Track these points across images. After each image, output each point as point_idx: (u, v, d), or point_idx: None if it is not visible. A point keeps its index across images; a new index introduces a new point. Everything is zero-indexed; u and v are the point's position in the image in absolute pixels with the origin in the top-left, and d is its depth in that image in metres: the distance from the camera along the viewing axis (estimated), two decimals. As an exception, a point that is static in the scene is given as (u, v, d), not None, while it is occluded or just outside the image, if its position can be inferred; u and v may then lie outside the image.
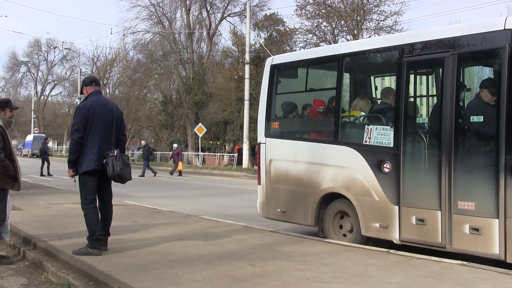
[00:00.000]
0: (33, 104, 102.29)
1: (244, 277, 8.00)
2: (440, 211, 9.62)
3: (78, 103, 9.45)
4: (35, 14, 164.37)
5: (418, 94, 11.28)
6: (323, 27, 50.58)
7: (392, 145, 10.47)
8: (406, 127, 10.38)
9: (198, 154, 58.13)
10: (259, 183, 13.45)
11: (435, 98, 11.23)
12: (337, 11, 48.66)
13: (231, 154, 55.81)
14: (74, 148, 9.45)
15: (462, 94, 9.88)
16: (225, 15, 65.93)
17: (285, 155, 12.79)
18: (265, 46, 50.79)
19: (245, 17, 51.83)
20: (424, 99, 11.83)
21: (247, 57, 48.07)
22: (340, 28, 50.17)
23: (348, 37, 48.28)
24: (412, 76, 10.63)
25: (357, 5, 47.94)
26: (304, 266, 8.79)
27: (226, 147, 63.98)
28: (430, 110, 11.32)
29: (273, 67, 13.40)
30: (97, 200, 9.75)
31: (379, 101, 12.04)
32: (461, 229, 9.30)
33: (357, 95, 12.64)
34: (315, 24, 50.55)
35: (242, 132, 48.41)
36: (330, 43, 47.72)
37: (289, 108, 13.30)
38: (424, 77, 11.70)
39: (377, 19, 48.66)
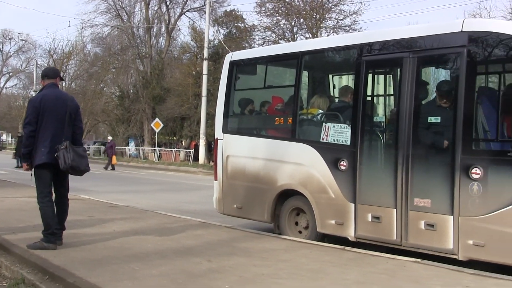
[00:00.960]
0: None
1: (201, 272, 7.99)
2: (395, 209, 9.74)
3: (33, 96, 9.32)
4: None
5: (376, 93, 11.48)
6: (282, 25, 50.96)
7: (349, 143, 10.54)
8: (363, 125, 10.45)
9: (154, 149, 57.87)
10: (215, 179, 13.39)
11: (393, 97, 11.49)
12: (296, 9, 48.99)
13: (188, 150, 55.64)
14: (26, 142, 9.35)
15: (420, 94, 9.95)
16: (184, 10, 65.67)
17: (243, 151, 12.78)
18: (224, 42, 50.74)
19: (205, 12, 51.72)
20: (382, 98, 11.95)
21: (205, 53, 47.92)
22: (299, 26, 50.53)
23: (307, 35, 48.63)
24: (370, 75, 10.74)
25: (316, 4, 48.33)
26: (260, 262, 8.81)
27: (183, 142, 63.80)
28: (388, 109, 11.48)
29: (232, 63, 13.37)
30: (53, 194, 9.63)
31: (337, 100, 12.22)
32: (417, 225, 9.45)
33: (315, 93, 12.71)
34: (274, 22, 50.91)
35: (199, 128, 48.24)
36: (289, 41, 47.92)
37: (247, 105, 13.28)
38: (382, 77, 11.85)
39: (336, 18, 49.26)
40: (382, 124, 10.99)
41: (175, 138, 65.57)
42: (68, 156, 9.18)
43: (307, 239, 11.21)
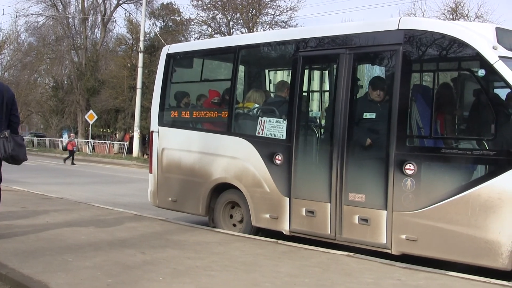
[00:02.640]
0: None
1: (135, 264, 8.01)
2: (330, 203, 9.78)
3: None
4: None
5: (312, 89, 11.57)
6: (218, 19, 50.82)
7: (284, 137, 10.55)
8: (299, 120, 10.46)
9: (88, 142, 57.29)
10: (150, 171, 13.26)
11: (329, 93, 11.47)
12: (233, 3, 48.90)
13: (122, 143, 55.21)
14: None
15: (355, 91, 10.01)
16: (120, 2, 64.82)
17: (178, 144, 12.69)
18: (160, 35, 50.43)
19: (141, 5, 51.24)
20: (318, 94, 12.05)
21: (141, 45, 47.51)
22: (235, 20, 50.48)
23: (243, 30, 48.65)
24: (307, 71, 10.78)
25: (253, -1, 48.33)
26: (194, 254, 8.86)
27: (117, 135, 63.28)
28: (324, 105, 11.56)
29: (169, 56, 13.21)
30: None
31: (273, 94, 12.20)
32: (351, 219, 9.53)
33: (251, 87, 12.75)
34: (210, 16, 50.71)
35: (133, 120, 47.90)
36: (225, 35, 47.91)
37: (184, 98, 13.20)
38: (319, 73, 11.94)
39: (273, 13, 49.26)
40: (318, 119, 11.19)
41: (109, 131, 64.99)
42: (9, 146, 9.09)
43: (242, 232, 11.23)
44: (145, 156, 47.52)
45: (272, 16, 49.31)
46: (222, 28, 50.52)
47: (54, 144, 63.42)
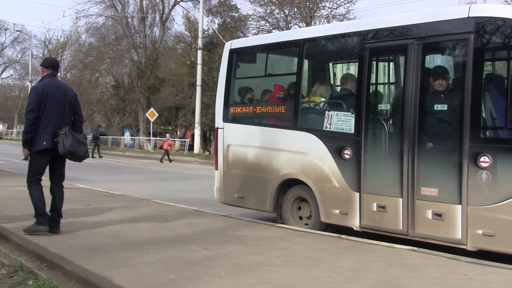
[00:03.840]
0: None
1: (196, 260, 8.00)
2: (401, 198, 9.55)
3: (31, 85, 9.37)
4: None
5: (380, 80, 11.22)
6: (276, 14, 50.76)
7: (353, 131, 10.33)
8: (368, 113, 10.25)
9: (149, 139, 57.82)
10: (216, 168, 13.15)
11: (398, 85, 11.23)
12: (290, -2, 48.75)
13: (183, 140, 55.65)
14: (29, 128, 9.51)
15: (425, 82, 9.65)
16: (178, 0, 65.54)
17: (244, 140, 12.56)
18: (218, 32, 50.69)
19: (199, 2, 51.49)
20: (387, 86, 11.84)
21: (199, 42, 47.78)
22: (292, 15, 50.38)
23: (301, 24, 48.47)
24: (374, 63, 10.50)
25: (310, -7, 48.11)
26: (256, 250, 8.82)
27: (178, 132, 63.77)
28: (393, 97, 11.29)
29: (232, 52, 13.11)
30: (50, 183, 9.80)
31: (339, 88, 11.93)
32: (424, 214, 9.27)
33: (316, 80, 12.38)
34: (268, 11, 50.69)
35: (194, 117, 48.20)
36: (283, 30, 47.78)
37: (248, 93, 13.09)
38: (386, 64, 11.70)
39: (330, 7, 48.96)
40: (387, 112, 10.78)
41: (170, 128, 65.51)
42: (67, 141, 9.39)
43: (311, 229, 11.02)
44: (206, 153, 47.83)
45: (330, 9, 49.09)
46: (280, 23, 50.46)
47: (116, 142, 64.14)
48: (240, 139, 12.68)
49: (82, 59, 72.61)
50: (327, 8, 49.26)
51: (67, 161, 9.92)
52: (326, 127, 10.84)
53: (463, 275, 7.57)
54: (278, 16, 50.78)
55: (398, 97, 10.33)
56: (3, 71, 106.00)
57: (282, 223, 11.58)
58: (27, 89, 73.94)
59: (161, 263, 7.75)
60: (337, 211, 10.60)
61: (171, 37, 68.35)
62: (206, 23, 53.98)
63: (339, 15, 48.19)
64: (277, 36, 14.70)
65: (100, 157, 43.95)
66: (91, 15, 67.40)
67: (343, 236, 10.10)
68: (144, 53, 63.90)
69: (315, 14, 48.82)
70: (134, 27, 67.01)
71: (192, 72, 53.30)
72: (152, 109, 53.16)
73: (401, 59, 10.71)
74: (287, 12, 50.05)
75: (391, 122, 10.35)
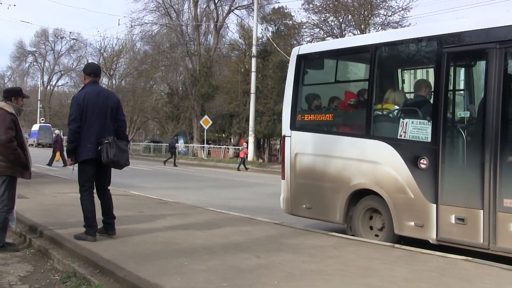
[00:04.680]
0: (39, 94, 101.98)
1: (249, 268, 7.98)
2: (482, 210, 9.03)
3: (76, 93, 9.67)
4: (43, 4, 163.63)
5: (458, 87, 10.65)
6: (330, 22, 50.68)
7: (429, 139, 9.89)
8: (445, 121, 9.79)
9: (203, 147, 58.05)
10: (283, 178, 12.76)
11: (478, 91, 10.70)
12: (344, 5, 48.65)
13: (237, 147, 55.85)
14: (72, 138, 9.70)
15: (508, 88, 9.14)
16: (232, 8, 65.90)
17: (312, 149, 12.16)
18: (272, 39, 50.79)
19: (253, 10, 51.83)
20: (466, 92, 11.20)
21: (254, 50, 47.98)
22: (347, 23, 50.25)
23: (355, 31, 48.34)
24: (452, 68, 10.05)
25: (364, 0, 47.93)
26: (308, 258, 8.73)
27: (232, 139, 63.99)
28: (472, 104, 10.80)
29: (300, 57, 12.73)
30: (95, 188, 10.02)
31: (413, 94, 11.39)
32: (507, 227, 8.75)
33: (389, 87, 11.88)
34: (322, 19, 50.65)
35: (248, 125, 48.37)
36: (337, 37, 47.74)
37: (317, 100, 12.72)
38: (466, 69, 11.09)
39: (385, 14, 48.72)
40: (466, 119, 10.15)
41: (224, 135, 65.79)
42: (111, 151, 9.59)
43: (383, 241, 10.56)
44: (260, 160, 47.91)
45: (384, 16, 48.85)
46: (334, 31, 50.35)
47: (171, 149, 64.80)
48: (308, 148, 12.31)
49: (137, 67, 73.28)
50: (381, 15, 49.08)
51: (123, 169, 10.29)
52: (400, 136, 10.42)
53: (518, 286, 7.45)
54: (332, 23, 50.71)
55: (479, 104, 9.90)
56: (59, 78, 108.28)
57: (353, 235, 11.20)
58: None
59: (214, 270, 7.73)
60: (412, 223, 10.14)
61: (225, 45, 68.70)
62: (260, 31, 54.21)
63: (393, 23, 47.92)
64: (347, 41, 14.15)
65: (175, 166, 44.21)
66: (146, 23, 68.19)
67: (396, 245, 10.02)
68: (198, 61, 64.29)
69: (370, 22, 48.63)
70: (189, 35, 67.57)
71: (246, 80, 53.45)
72: (206, 116, 53.44)
73: (482, 64, 10.18)
74: (341, 19, 49.94)
75: (471, 130, 9.88)
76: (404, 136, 10.35)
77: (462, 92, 11.13)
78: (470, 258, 8.89)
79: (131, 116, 67.69)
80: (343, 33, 49.14)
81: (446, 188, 9.64)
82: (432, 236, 9.83)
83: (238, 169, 41.05)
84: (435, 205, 9.75)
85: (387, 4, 48.25)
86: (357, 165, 11.21)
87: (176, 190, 22.63)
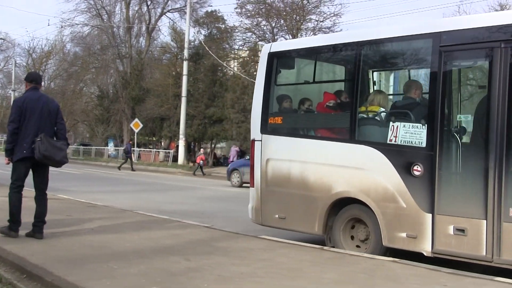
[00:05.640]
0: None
1: (179, 271, 7.93)
2: (485, 220, 8.41)
3: (14, 94, 9.85)
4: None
5: (456, 87, 10.04)
6: (262, 26, 50.79)
7: (424, 145, 9.18)
8: (443, 125, 9.09)
9: (133, 150, 57.67)
10: (252, 185, 11.86)
11: (480, 93, 9.94)
12: (277, 10, 48.83)
13: (167, 150, 55.59)
14: (10, 138, 10.06)
15: None
16: (165, 11, 65.59)
17: (287, 154, 11.23)
18: (204, 43, 50.67)
19: (185, 13, 51.80)
20: (466, 94, 10.70)
21: (185, 53, 48.00)
22: (279, 27, 50.41)
23: (287, 36, 48.42)
24: (450, 68, 9.41)
25: (296, 5, 48.26)
26: (239, 261, 8.74)
27: (162, 143, 63.69)
28: (474, 106, 9.88)
29: (272, 55, 11.79)
30: (34, 191, 10.30)
31: (406, 96, 10.38)
32: None
33: (377, 88, 11.44)
34: (254, 23, 50.70)
35: (179, 128, 48.25)
36: (269, 42, 47.95)
37: (292, 102, 11.83)
38: (465, 69, 10.49)
39: (317, 19, 49.08)
40: (467, 123, 9.59)
41: (154, 139, 65.40)
42: (42, 147, 9.77)
43: (369, 253, 9.75)
44: (191, 164, 47.89)
45: (316, 22, 49.23)
46: (266, 35, 50.58)
47: (100, 152, 64.10)
48: (282, 153, 11.37)
49: (67, 69, 72.39)
50: (313, 20, 49.45)
51: (50, 172, 10.38)
52: (390, 140, 9.66)
53: (443, 285, 7.59)
54: (265, 28, 50.91)
55: (480, 107, 9.19)
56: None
57: (333, 246, 10.40)
58: (10, 98, 73.66)
59: (144, 274, 7.65)
60: (404, 234, 9.37)
61: (157, 48, 68.24)
62: (193, 34, 54.11)
63: (325, 28, 48.34)
64: (327, 39, 13.11)
65: (133, 170, 44.20)
66: (76, 24, 67.39)
67: (325, 247, 10.07)
68: (130, 64, 63.72)
69: (302, 27, 48.97)
70: (120, 37, 66.91)
71: (178, 83, 53.12)
72: (136, 119, 52.90)
73: (484, 63, 9.51)
74: (273, 24, 50.19)
75: (472, 134, 9.36)
76: (395, 141, 9.61)
77: (461, 93, 10.42)
78: (397, 260, 9.03)
79: (60, 118, 66.57)
80: (275, 37, 49.35)
81: (444, 197, 8.96)
82: (426, 248, 9.12)
83: (194, 174, 41.02)
84: (430, 215, 9.04)
85: (319, 10, 48.66)
86: (339, 172, 10.37)
87: (106, 193, 22.43)
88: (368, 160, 9.89)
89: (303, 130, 11.62)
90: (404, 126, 9.52)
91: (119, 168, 44.49)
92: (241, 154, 44.71)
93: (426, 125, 9.21)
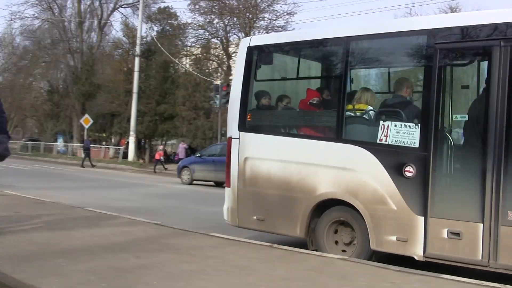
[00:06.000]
0: None
1: (128, 268, 7.94)
2: (482, 224, 8.22)
3: None
4: None
5: (453, 86, 9.60)
6: (215, 23, 50.85)
7: (417, 145, 8.90)
8: (438, 125, 8.81)
9: (82, 146, 57.23)
10: (228, 185, 11.35)
11: (477, 92, 9.61)
12: (230, 8, 48.94)
13: (117, 147, 55.25)
14: None
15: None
16: (117, 6, 64.47)
17: (268, 153, 10.78)
18: (157, 39, 50.43)
19: (138, 8, 51.54)
20: (461, 92, 10.32)
21: (137, 49, 47.66)
22: (232, 25, 50.52)
23: (240, 34, 48.66)
24: (446, 66, 9.06)
25: (250, 4, 48.37)
26: (188, 258, 8.79)
27: (112, 139, 63.25)
28: (470, 106, 9.47)
29: (251, 49, 11.28)
30: None
31: (397, 94, 10.02)
32: (511, 243, 8.03)
33: (365, 85, 11.04)
34: (207, 20, 50.77)
35: (129, 125, 47.98)
36: (222, 40, 48.13)
37: (272, 98, 11.42)
38: (462, 68, 10.10)
39: (270, 18, 49.30)
40: (463, 123, 9.26)
41: (104, 135, 64.90)
42: None
43: (355, 256, 9.44)
44: (141, 161, 47.71)
45: (269, 20, 49.42)
46: (219, 33, 50.68)
47: (49, 148, 63.29)
48: (262, 152, 10.92)
49: (16, 63, 71.10)
50: (266, 19, 49.62)
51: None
52: (381, 140, 9.31)
53: (391, 283, 7.72)
54: (218, 25, 50.96)
55: (478, 106, 8.94)
56: None
57: (315, 250, 10.09)
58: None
59: (93, 271, 7.62)
60: (393, 238, 9.07)
61: (108, 43, 67.32)
62: (145, 30, 53.60)
63: (277, 27, 48.56)
64: (312, 33, 12.26)
65: (92, 166, 43.92)
66: (26, 17, 65.93)
67: (275, 245, 10.10)
68: (81, 59, 62.79)
69: (254, 25, 49.09)
70: (71, 32, 65.82)
71: (129, 79, 52.66)
72: (86, 115, 52.24)
73: (482, 62, 9.31)
74: (226, 21, 50.25)
75: (468, 134, 9.03)
76: (385, 141, 9.26)
77: (457, 92, 10.09)
78: (346, 258, 9.16)
79: (9, 113, 65.76)
80: (228, 35, 49.55)
81: (438, 200, 8.68)
82: (418, 252, 8.85)
83: (155, 171, 40.78)
84: (423, 217, 8.77)
85: (272, 8, 48.86)
86: (324, 172, 9.96)
87: (54, 190, 21.94)
88: (356, 160, 9.56)
89: (285, 128, 11.11)
90: (395, 125, 9.22)
91: (81, 165, 43.94)
92: (190, 151, 44.65)
93: (419, 124, 8.94)
